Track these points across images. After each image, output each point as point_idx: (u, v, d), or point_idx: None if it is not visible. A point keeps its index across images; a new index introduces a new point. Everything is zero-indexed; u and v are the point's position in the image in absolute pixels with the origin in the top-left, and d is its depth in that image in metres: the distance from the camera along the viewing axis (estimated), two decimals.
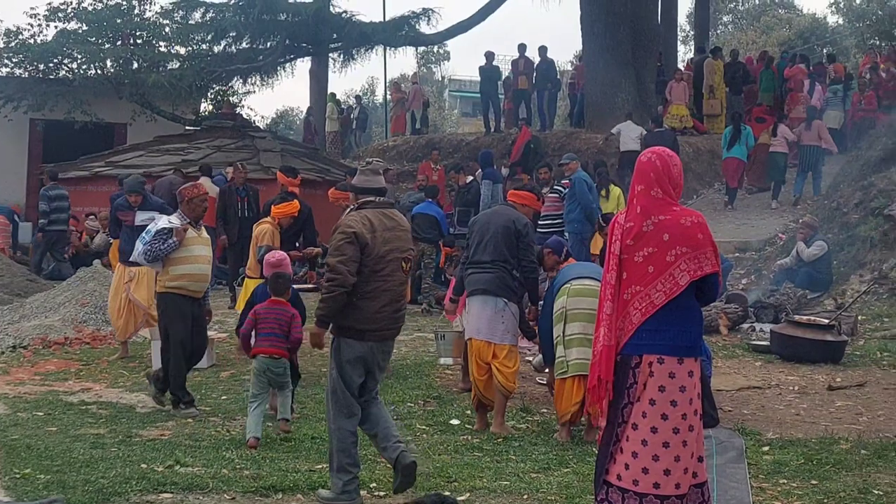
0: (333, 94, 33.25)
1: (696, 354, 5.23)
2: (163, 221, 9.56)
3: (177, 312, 9.40)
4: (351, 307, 6.51)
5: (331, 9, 27.98)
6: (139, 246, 9.53)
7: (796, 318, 12.85)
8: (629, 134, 21.82)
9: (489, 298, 8.67)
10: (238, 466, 7.43)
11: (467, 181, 18.63)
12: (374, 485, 7.01)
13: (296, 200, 12.14)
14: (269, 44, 27.32)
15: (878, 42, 35.98)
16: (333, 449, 6.57)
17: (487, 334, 8.68)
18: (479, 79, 27.83)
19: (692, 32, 40.74)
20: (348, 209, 7.03)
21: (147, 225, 12.04)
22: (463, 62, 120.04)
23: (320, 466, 7.27)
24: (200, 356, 9.92)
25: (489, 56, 26.97)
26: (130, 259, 10.52)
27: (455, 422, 9.12)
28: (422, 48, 43.99)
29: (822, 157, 21.22)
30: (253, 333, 8.67)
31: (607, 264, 5.26)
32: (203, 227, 9.77)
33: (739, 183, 21.90)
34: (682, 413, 5.10)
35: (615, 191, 16.95)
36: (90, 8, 27.03)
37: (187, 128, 27.00)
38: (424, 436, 8.63)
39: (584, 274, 8.66)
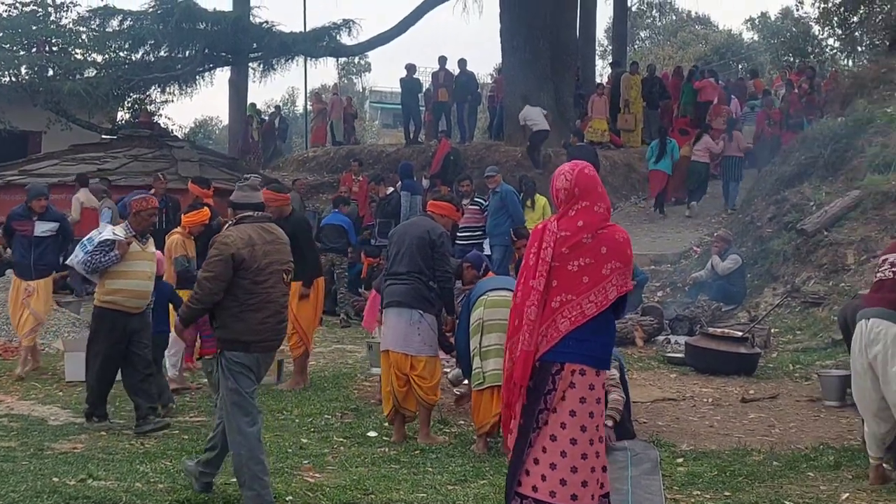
0: (254, 104, 33.06)
1: (608, 367, 5.39)
2: (107, 232, 9.24)
3: (104, 328, 9.15)
4: (235, 319, 6.60)
5: (251, 18, 27.81)
6: (79, 253, 9.19)
7: (710, 330, 13.03)
8: (534, 116, 23.07)
9: (403, 310, 8.69)
10: (152, 480, 7.33)
11: (388, 192, 18.65)
12: (291, 498, 6.97)
13: (206, 208, 12.03)
14: (187, 52, 27.00)
15: (791, 59, 36.72)
16: (242, 460, 6.53)
17: (403, 346, 8.69)
18: (399, 90, 27.87)
19: (610, 47, 41.17)
20: (227, 223, 7.17)
21: (48, 236, 11.84)
22: (384, 74, 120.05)
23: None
24: (149, 365, 9.31)
25: (410, 68, 27.05)
26: (67, 262, 10.09)
27: (372, 434, 9.11)
28: (342, 59, 43.90)
29: (742, 167, 21.73)
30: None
31: (534, 270, 5.22)
32: (150, 241, 9.49)
33: (664, 195, 22.23)
34: (597, 424, 5.18)
35: (541, 200, 17.02)
36: (5, 14, 26.59)
37: (103, 137, 26.62)
38: (342, 448, 8.60)
39: (500, 286, 8.68)
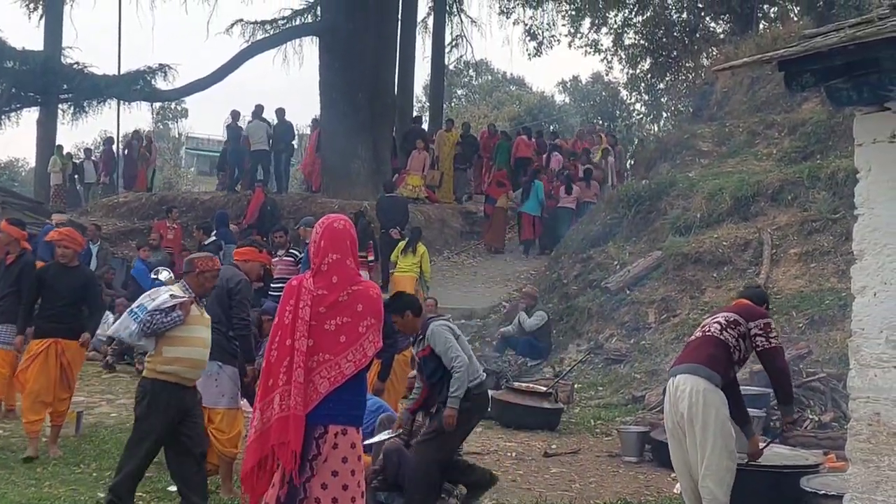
0: (61, 147, 31.97)
1: (363, 422, 5.43)
2: (164, 295, 7.73)
3: (160, 404, 7.61)
4: None
5: (62, 59, 27.17)
6: (131, 324, 7.63)
7: (516, 385, 13.25)
8: (257, 133, 25.14)
9: None
10: None
11: (207, 241, 18.39)
12: None
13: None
14: None
15: (600, 121, 37.94)
16: None
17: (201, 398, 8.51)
18: (216, 137, 27.61)
19: (428, 104, 41.72)
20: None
21: None
22: (201, 120, 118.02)
23: None
24: (203, 453, 8.01)
25: (235, 115, 26.92)
26: (110, 333, 8.58)
27: (173, 489, 8.84)
28: (158, 104, 43.23)
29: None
30: None
31: (291, 329, 5.13)
32: (205, 306, 8.19)
33: (534, 235, 23.39)
34: (358, 481, 5.19)
35: (421, 248, 17.72)
36: None
37: None
38: (140, 503, 8.35)
39: None
